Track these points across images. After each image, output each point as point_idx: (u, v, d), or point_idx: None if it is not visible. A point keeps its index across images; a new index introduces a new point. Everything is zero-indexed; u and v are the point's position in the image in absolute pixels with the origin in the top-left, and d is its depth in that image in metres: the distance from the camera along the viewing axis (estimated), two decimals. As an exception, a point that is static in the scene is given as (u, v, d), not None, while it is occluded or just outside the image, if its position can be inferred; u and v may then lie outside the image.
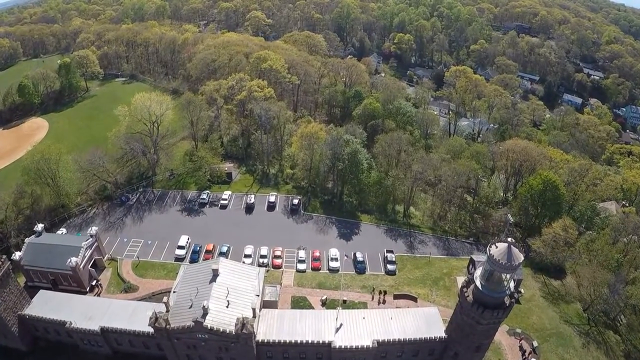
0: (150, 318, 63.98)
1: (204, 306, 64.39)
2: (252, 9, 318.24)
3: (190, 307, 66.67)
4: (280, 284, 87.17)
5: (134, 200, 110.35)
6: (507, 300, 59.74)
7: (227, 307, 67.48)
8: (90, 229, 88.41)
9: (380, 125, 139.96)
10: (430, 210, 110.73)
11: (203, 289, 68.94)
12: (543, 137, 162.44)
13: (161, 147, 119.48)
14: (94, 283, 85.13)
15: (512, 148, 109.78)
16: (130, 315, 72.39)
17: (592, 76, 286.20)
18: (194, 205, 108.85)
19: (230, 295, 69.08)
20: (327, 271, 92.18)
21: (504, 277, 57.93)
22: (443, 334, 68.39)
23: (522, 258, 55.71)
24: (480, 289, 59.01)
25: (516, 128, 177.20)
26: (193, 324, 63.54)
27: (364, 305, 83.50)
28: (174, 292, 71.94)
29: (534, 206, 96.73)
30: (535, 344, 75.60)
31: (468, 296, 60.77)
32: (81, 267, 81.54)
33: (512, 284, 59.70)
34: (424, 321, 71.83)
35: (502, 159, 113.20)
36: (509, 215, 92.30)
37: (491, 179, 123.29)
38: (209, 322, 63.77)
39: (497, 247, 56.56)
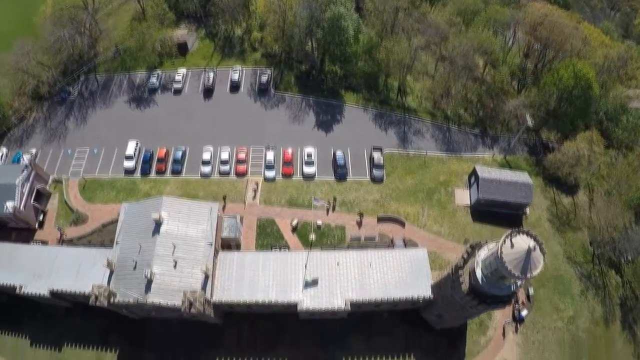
0: (91, 296, 54.35)
1: (146, 275, 54.35)
2: None
3: (135, 268, 56.88)
4: (245, 202, 74.27)
5: (76, 93, 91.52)
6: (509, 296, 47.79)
7: (174, 267, 56.70)
8: (23, 158, 74.94)
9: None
10: (430, 87, 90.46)
11: (146, 244, 57.88)
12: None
13: (100, 20, 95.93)
14: (41, 217, 74.10)
15: (541, 21, 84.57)
16: (79, 269, 61.90)
17: None
18: (143, 93, 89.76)
19: (178, 249, 57.64)
20: (301, 177, 77.99)
21: (513, 278, 44.36)
22: (429, 293, 57.42)
23: (542, 265, 41.27)
24: (480, 282, 45.96)
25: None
26: (137, 299, 54.74)
27: (341, 231, 71.81)
28: (116, 243, 60.68)
29: (558, 100, 77.67)
30: (531, 291, 66.28)
31: (463, 283, 48.01)
32: (21, 208, 69.22)
33: (520, 281, 46.52)
34: (409, 269, 60.22)
35: (527, 34, 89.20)
36: (528, 117, 75.04)
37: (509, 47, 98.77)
38: (154, 294, 54.94)
39: (512, 245, 41.33)
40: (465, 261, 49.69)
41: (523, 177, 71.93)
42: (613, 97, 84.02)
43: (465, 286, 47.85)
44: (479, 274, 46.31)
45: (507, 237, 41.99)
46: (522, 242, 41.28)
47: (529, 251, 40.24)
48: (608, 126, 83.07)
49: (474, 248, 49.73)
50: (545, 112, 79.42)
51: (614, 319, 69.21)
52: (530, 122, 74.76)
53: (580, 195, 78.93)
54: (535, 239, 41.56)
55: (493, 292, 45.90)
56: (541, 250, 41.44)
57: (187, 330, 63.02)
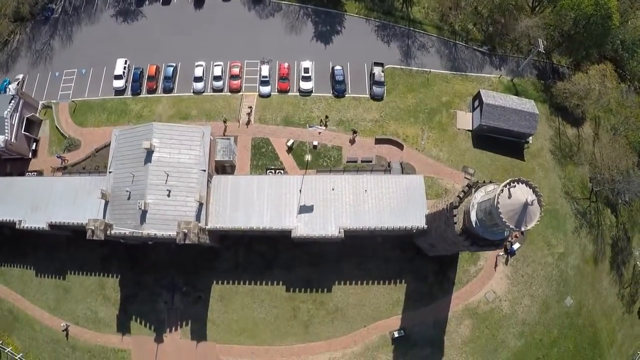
0: (87, 229, 55.30)
1: (140, 207, 54.49)
2: None
3: (129, 198, 56.78)
4: (239, 121, 72.12)
5: (59, 11, 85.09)
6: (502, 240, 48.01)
7: (168, 196, 56.64)
8: (9, 88, 72.37)
9: None
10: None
11: (139, 173, 57.15)
12: None
13: None
14: (34, 146, 73.75)
15: None
16: (75, 199, 62.64)
17: None
18: (130, 5, 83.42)
19: (171, 177, 57.05)
20: (298, 93, 75.01)
21: (507, 224, 43.98)
22: (423, 223, 57.83)
23: (538, 218, 40.69)
24: (474, 225, 45.69)
25: None
26: (132, 231, 55.67)
27: (338, 152, 70.57)
28: (109, 172, 60.04)
29: (574, 25, 71.94)
30: (525, 223, 66.42)
31: (457, 222, 47.83)
32: (12, 140, 68.54)
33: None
34: (404, 197, 60.29)
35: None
36: (540, 41, 70.02)
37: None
38: (149, 225, 55.63)
39: (510, 195, 40.25)
40: (461, 200, 49.07)
41: (529, 105, 68.50)
42: (632, 27, 77.89)
43: (459, 226, 47.66)
44: (473, 217, 45.80)
45: (505, 186, 40.75)
46: (521, 193, 40.09)
47: (526, 205, 39.37)
48: (622, 56, 78.24)
49: (471, 187, 48.85)
50: (559, 35, 73.96)
51: (604, 258, 70.27)
52: (542, 47, 69.74)
53: (586, 128, 76.04)
54: (534, 191, 40.47)
55: (486, 235, 45.73)
56: (539, 203, 40.59)
57: (184, 253, 64.24)
